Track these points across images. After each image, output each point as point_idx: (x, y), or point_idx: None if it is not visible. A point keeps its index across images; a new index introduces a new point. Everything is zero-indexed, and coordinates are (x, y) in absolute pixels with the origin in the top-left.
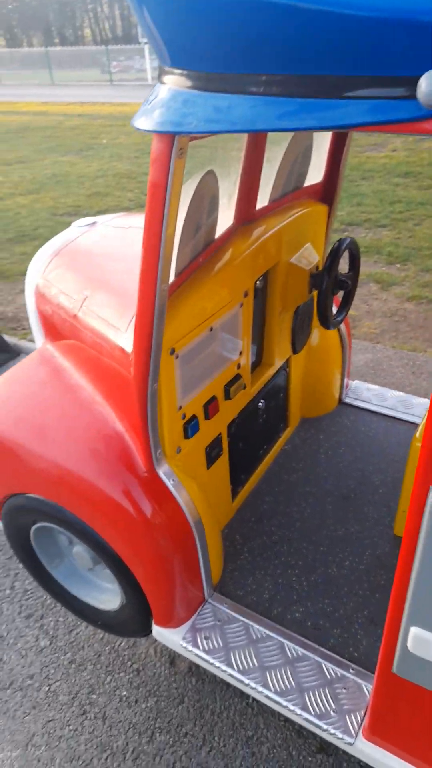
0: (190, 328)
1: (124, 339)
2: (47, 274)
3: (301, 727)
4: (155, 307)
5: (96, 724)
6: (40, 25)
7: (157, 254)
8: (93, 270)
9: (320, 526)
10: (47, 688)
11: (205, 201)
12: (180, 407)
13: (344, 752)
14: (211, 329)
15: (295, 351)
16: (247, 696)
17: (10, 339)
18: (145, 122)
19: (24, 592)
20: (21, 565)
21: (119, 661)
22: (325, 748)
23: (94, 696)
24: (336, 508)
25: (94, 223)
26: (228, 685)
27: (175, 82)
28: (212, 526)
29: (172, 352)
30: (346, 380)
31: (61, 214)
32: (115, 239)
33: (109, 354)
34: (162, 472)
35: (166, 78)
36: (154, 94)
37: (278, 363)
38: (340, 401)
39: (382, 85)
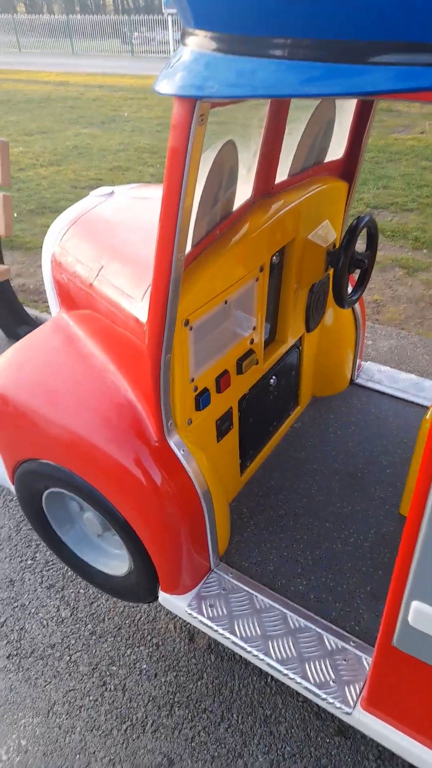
0: (204, 300)
1: (139, 309)
2: (64, 243)
3: (319, 708)
4: (171, 276)
5: (116, 695)
6: None
7: (175, 221)
8: (109, 239)
9: (326, 503)
10: (68, 658)
11: (224, 171)
12: (192, 379)
13: (363, 736)
14: (226, 302)
15: (308, 329)
16: (266, 675)
17: (31, 311)
18: (166, 86)
19: (45, 563)
20: None
21: (139, 635)
22: (344, 731)
23: (114, 668)
24: (343, 486)
25: (111, 193)
26: (247, 663)
27: (198, 44)
28: (220, 498)
29: (186, 323)
30: (358, 361)
31: (83, 186)
32: (132, 209)
33: (123, 324)
34: (172, 442)
35: (189, 40)
36: (177, 57)
37: (291, 340)
38: (352, 382)
39: (409, 51)
